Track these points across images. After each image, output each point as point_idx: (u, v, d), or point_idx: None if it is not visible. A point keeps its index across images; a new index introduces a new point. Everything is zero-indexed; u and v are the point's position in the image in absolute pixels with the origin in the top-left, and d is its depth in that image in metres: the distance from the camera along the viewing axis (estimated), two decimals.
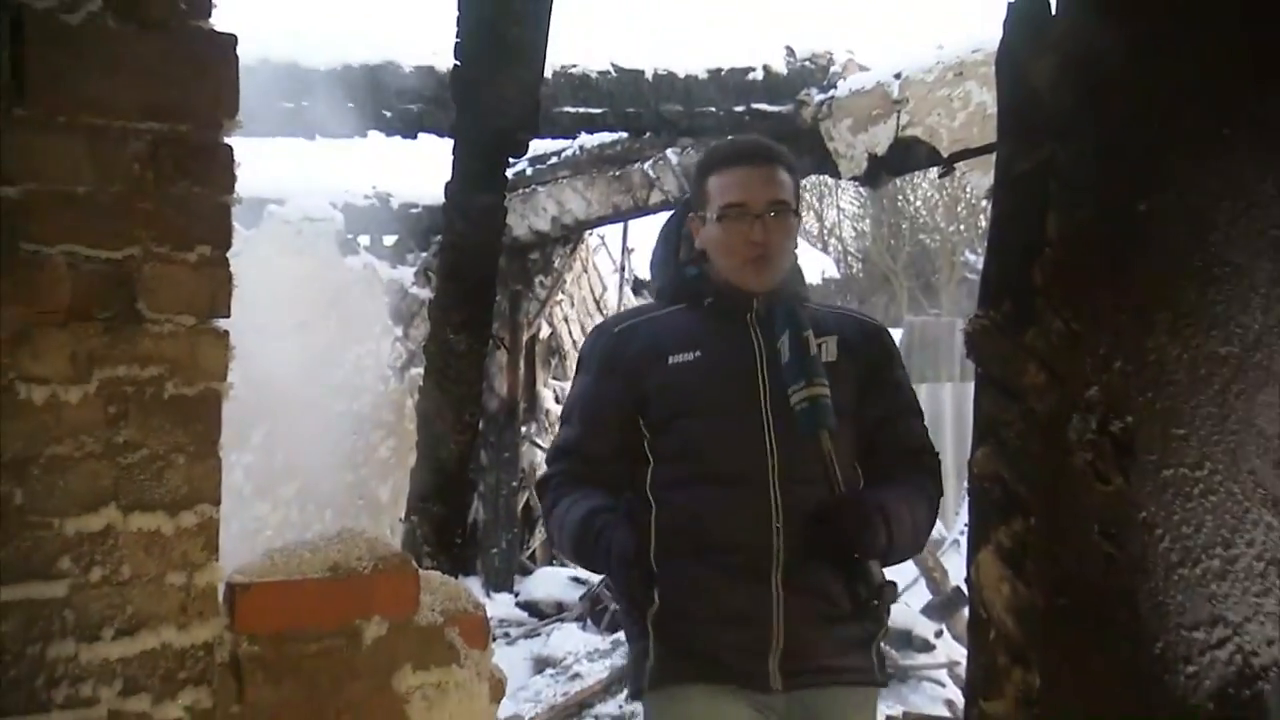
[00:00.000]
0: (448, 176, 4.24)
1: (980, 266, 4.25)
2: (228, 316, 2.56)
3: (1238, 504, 3.88)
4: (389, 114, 7.57)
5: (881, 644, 3.57)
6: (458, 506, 3.65)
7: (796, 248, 3.57)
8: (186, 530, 2.53)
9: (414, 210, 11.02)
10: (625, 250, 12.32)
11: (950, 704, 8.09)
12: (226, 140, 2.55)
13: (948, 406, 19.61)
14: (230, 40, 2.55)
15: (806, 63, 8.21)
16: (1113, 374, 3.66)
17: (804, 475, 3.36)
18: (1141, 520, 3.75)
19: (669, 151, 9.27)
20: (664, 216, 10.92)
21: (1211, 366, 3.80)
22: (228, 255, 2.57)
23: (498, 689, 2.92)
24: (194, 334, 2.52)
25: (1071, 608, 3.65)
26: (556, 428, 3.80)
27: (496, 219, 4.01)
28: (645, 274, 13.70)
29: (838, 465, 3.36)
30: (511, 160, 5.26)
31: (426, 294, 8.99)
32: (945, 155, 7.41)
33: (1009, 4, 3.85)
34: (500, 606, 9.27)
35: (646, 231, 12.05)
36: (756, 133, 9.07)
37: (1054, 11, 3.82)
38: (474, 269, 3.81)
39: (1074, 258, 3.80)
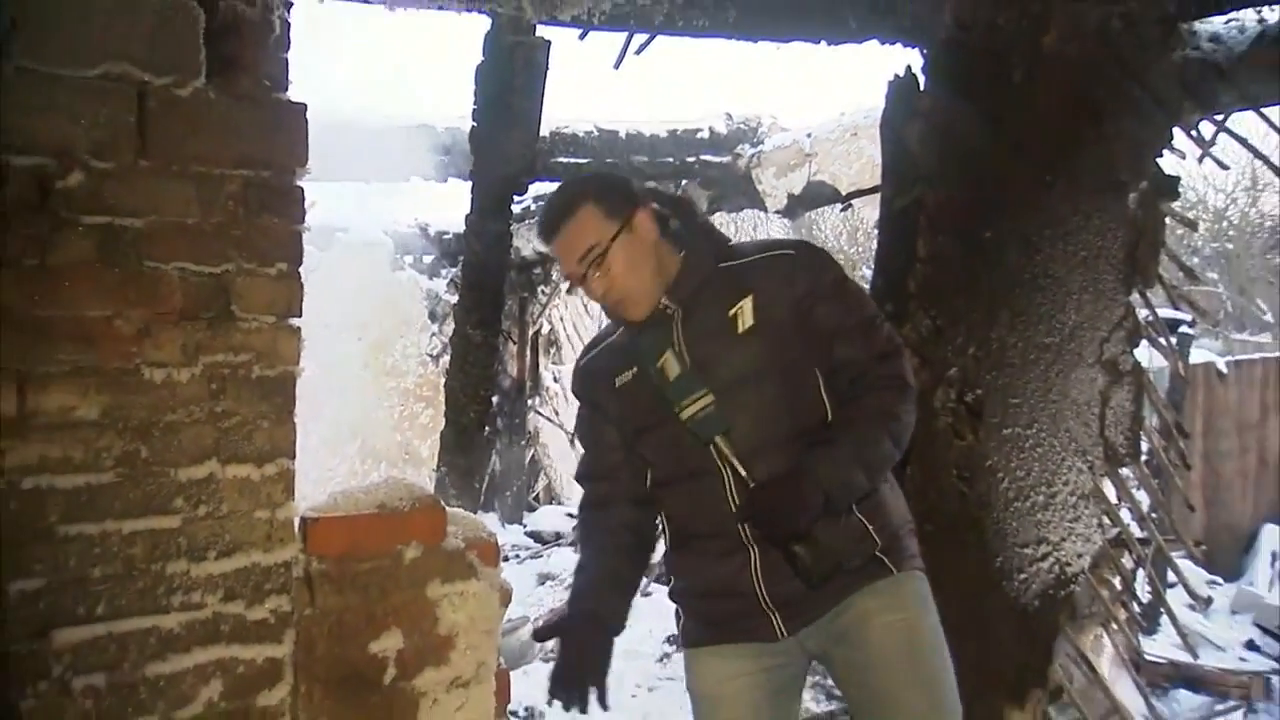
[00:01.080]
0: (468, 210, 4.23)
1: (871, 278, 4.26)
2: (300, 316, 2.55)
3: (1057, 454, 3.96)
4: (428, 166, 7.58)
5: (898, 541, 2.90)
6: (477, 459, 3.62)
7: (650, 247, 2.76)
8: (270, 477, 2.51)
9: (446, 236, 10.99)
10: None
11: None
12: (299, 183, 2.54)
13: None
14: (302, 107, 2.54)
15: (741, 124, 8.21)
16: (967, 358, 3.68)
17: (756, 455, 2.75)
18: (987, 466, 3.78)
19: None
20: None
21: (1039, 352, 3.83)
22: (300, 270, 2.56)
23: (506, 596, 2.91)
24: (274, 329, 2.50)
25: (936, 532, 3.67)
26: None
27: (505, 243, 4.00)
28: None
29: (780, 416, 2.74)
30: (516, 198, 5.25)
31: (455, 299, 8.98)
32: (844, 194, 7.45)
33: (889, 83, 3.87)
34: (512, 535, 9.27)
35: None
36: (702, 179, 8.61)
37: (922, 89, 3.85)
38: (488, 280, 3.78)
39: (937, 272, 3.81)
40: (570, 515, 9.70)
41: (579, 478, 3.08)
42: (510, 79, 3.03)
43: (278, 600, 2.52)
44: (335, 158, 7.16)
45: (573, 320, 12.21)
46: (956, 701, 2.84)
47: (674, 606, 3.08)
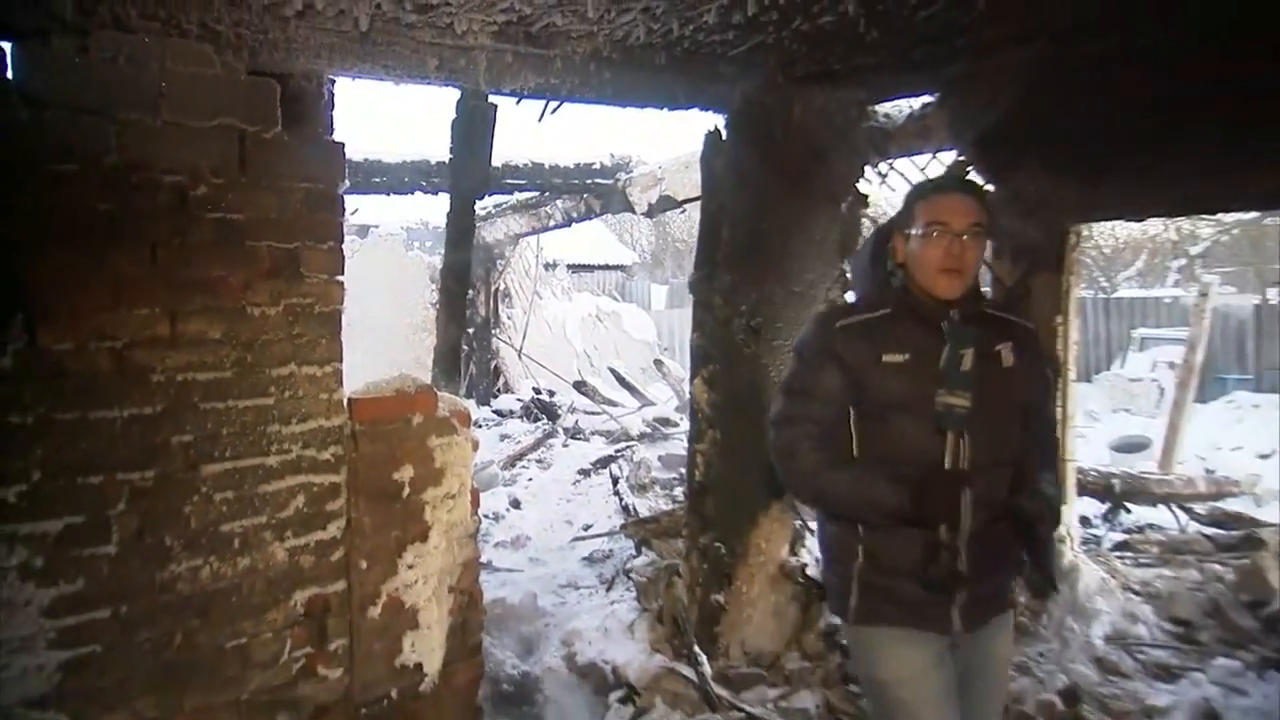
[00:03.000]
0: (448, 211, 4.18)
1: (696, 252, 4.28)
2: (343, 274, 2.56)
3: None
4: (425, 183, 7.43)
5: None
6: (456, 365, 3.59)
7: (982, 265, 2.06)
8: (328, 374, 2.53)
9: (438, 229, 10.77)
10: (539, 247, 12.18)
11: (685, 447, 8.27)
12: (340, 192, 2.54)
13: (687, 322, 19.31)
14: (342, 145, 2.54)
15: (619, 160, 8.13)
16: (751, 301, 3.67)
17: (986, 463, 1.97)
18: (761, 363, 3.65)
19: (557, 201, 9.19)
20: (557, 232, 11.08)
21: (792, 296, 3.68)
22: (343, 246, 2.57)
23: (476, 445, 2.93)
24: (327, 283, 2.51)
25: (731, 402, 3.69)
26: (784, 396, 2.07)
27: (471, 233, 3.93)
28: (550, 258, 13.50)
29: (1010, 443, 2.01)
30: (477, 204, 5.14)
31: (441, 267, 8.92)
32: (681, 202, 7.47)
33: (705, 134, 3.82)
34: (482, 412, 9.20)
35: (549, 239, 11.98)
36: (595, 193, 8.42)
37: (724, 139, 3.87)
38: (460, 255, 3.73)
39: (734, 250, 3.77)
40: (519, 400, 9.70)
41: (795, 416, 2.04)
42: (472, 128, 3.01)
43: (335, 448, 2.55)
44: (369, 179, 7.07)
45: (518, 281, 12.10)
46: None
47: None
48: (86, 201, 2.11)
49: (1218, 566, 4.11)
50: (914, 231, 1.97)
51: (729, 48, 2.96)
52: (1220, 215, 11.41)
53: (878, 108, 3.95)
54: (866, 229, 3.92)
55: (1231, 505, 5.05)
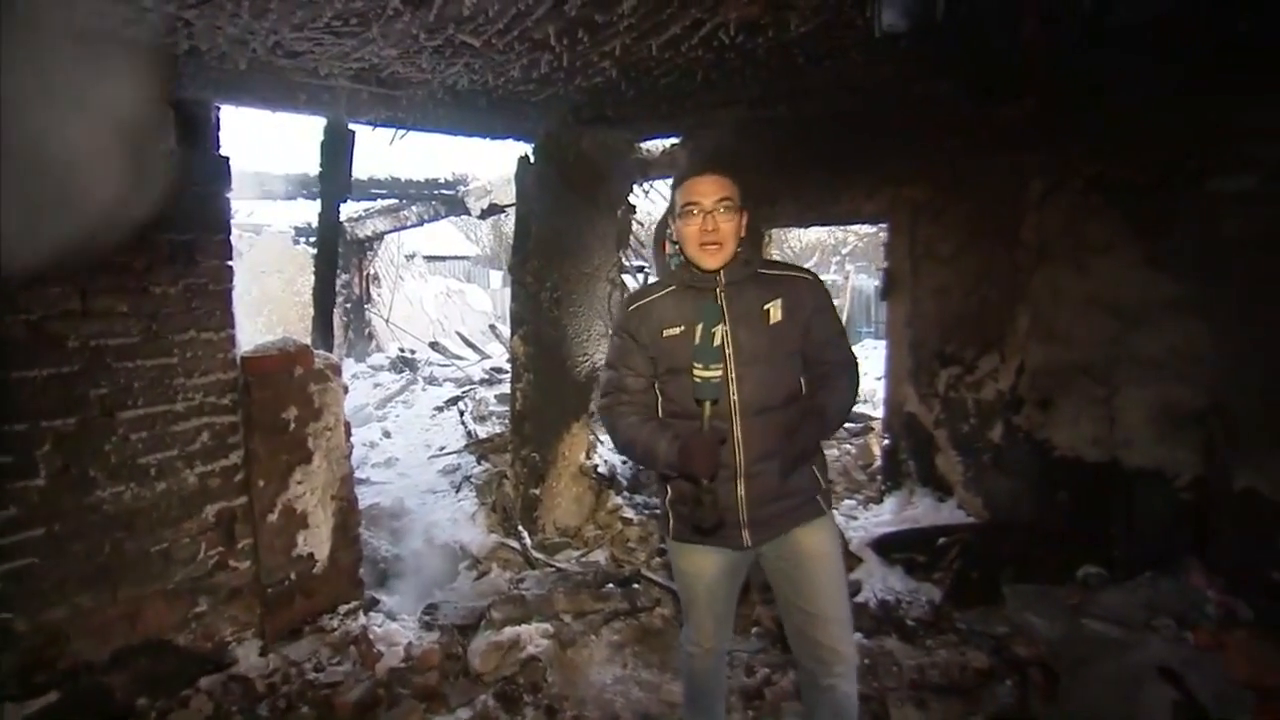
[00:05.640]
0: (319, 213, 3.87)
1: (513, 243, 4.20)
2: (233, 259, 2.41)
3: (582, 315, 3.75)
4: (305, 191, 6.84)
5: (830, 487, 1.92)
6: (330, 330, 3.34)
7: (744, 233, 1.74)
8: (223, 338, 2.41)
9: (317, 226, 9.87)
10: (401, 241, 11.52)
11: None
12: (227, 195, 2.39)
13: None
14: (228, 158, 2.38)
15: (459, 176, 7.87)
16: (553, 278, 3.62)
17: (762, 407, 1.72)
18: (561, 322, 3.65)
19: (412, 206, 8.74)
20: (416, 229, 10.48)
21: (583, 275, 3.76)
22: (230, 238, 2.42)
23: (345, 389, 2.87)
24: (218, 266, 2.38)
25: (540, 352, 3.61)
26: (605, 369, 1.84)
27: (337, 229, 3.65)
28: (411, 250, 12.80)
29: (781, 387, 1.73)
30: (343, 208, 4.77)
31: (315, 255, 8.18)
32: (504, 207, 7.37)
33: (519, 158, 3.66)
34: (359, 367, 8.65)
35: (410, 235, 11.35)
36: (436, 205, 8.03)
37: (532, 161, 3.71)
38: (329, 247, 3.46)
39: (541, 242, 3.64)
40: (388, 357, 9.25)
41: (611, 386, 1.81)
42: (335, 149, 2.83)
43: (233, 395, 2.46)
44: (265, 187, 6.38)
45: (385, 268, 11.41)
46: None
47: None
48: None
49: (849, 445, 4.74)
50: (677, 214, 1.73)
51: (531, 95, 2.97)
52: (855, 228, 13.10)
53: (641, 144, 4.06)
54: (635, 229, 4.12)
55: (859, 409, 5.60)
